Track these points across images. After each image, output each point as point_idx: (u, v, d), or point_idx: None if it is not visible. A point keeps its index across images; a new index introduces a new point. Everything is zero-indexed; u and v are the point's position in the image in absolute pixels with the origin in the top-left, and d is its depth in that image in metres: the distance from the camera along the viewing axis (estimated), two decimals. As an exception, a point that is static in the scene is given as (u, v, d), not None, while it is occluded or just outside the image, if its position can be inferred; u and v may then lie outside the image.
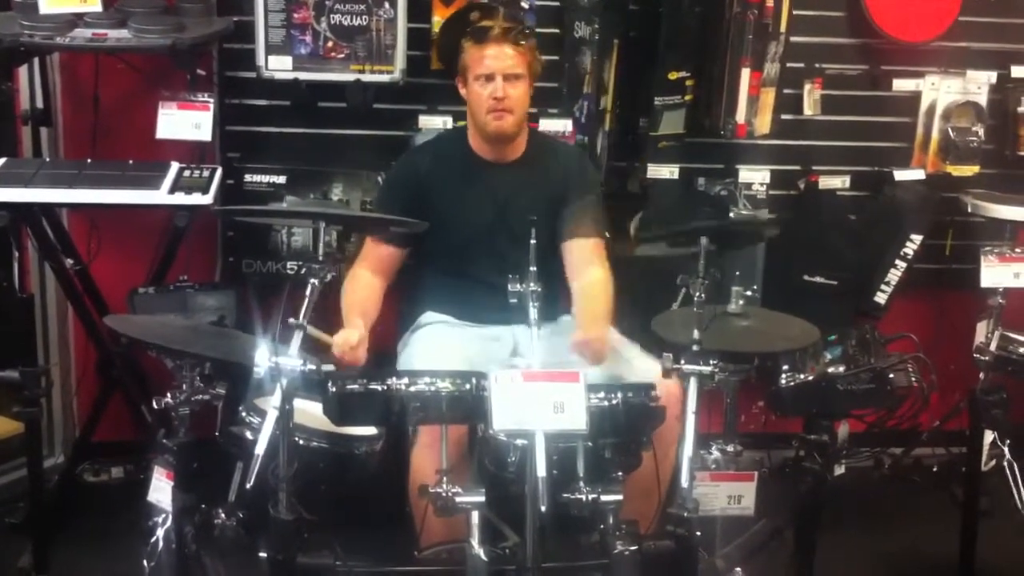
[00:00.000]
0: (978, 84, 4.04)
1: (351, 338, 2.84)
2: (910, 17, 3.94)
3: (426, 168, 3.32)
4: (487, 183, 3.29)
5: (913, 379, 3.72)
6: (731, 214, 3.89)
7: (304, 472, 2.44)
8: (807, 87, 3.98)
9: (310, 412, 2.60)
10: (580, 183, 3.38)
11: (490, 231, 3.24)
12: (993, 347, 3.41)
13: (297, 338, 2.39)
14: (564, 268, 3.28)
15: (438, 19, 3.68)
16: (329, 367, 2.46)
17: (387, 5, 3.55)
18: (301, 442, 2.58)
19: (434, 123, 3.71)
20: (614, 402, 2.45)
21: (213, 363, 2.60)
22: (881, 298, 4.04)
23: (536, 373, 2.31)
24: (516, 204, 3.24)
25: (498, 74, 3.14)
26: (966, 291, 3.81)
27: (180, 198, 3.26)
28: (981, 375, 3.42)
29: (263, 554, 2.36)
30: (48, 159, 3.65)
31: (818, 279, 3.96)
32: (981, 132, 4.04)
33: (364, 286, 3.19)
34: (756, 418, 3.72)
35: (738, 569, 2.80)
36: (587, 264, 3.25)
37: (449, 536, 2.60)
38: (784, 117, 3.94)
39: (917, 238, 4.01)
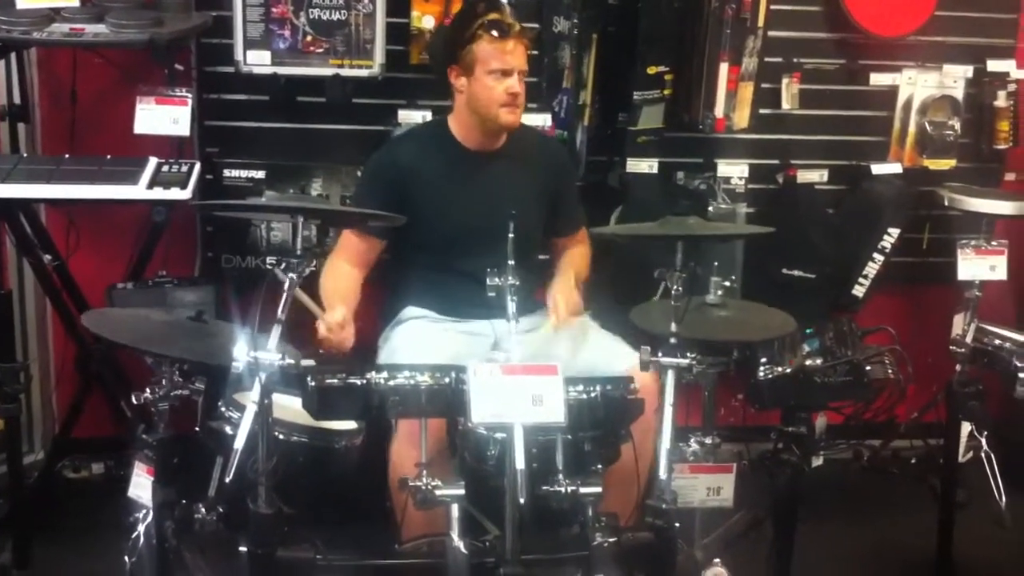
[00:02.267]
0: (954, 78, 4.07)
1: (337, 316, 2.87)
2: (887, 12, 3.96)
3: (407, 158, 3.31)
4: (472, 171, 3.30)
5: (890, 371, 3.76)
6: (710, 208, 3.90)
7: (284, 466, 2.45)
8: (785, 81, 3.99)
9: (289, 406, 2.61)
10: (566, 177, 3.51)
11: (474, 221, 3.24)
12: (969, 339, 3.44)
13: (276, 332, 2.39)
14: (551, 256, 3.48)
15: (417, 14, 3.68)
16: (309, 362, 2.46)
17: (366, 0, 3.55)
18: (281, 436, 2.58)
19: (413, 118, 3.69)
20: (592, 395, 2.47)
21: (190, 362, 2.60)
22: (859, 291, 4.07)
23: (515, 366, 2.32)
24: (501, 193, 3.25)
25: (516, 70, 3.16)
26: (943, 284, 3.84)
27: (158, 193, 3.25)
28: (957, 367, 3.44)
29: (243, 548, 2.36)
30: (25, 154, 3.63)
31: (796, 272, 3.97)
32: (957, 126, 4.07)
33: (343, 275, 3.21)
34: (736, 411, 3.74)
35: (717, 560, 2.82)
36: (570, 247, 3.49)
37: (429, 529, 2.60)
38: (762, 111, 3.95)
39: (894, 232, 4.03)
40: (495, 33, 3.14)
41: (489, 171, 3.31)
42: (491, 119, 3.21)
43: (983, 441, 3.46)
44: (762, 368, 3.11)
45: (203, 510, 2.59)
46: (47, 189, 3.23)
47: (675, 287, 2.66)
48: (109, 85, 3.68)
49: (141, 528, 2.58)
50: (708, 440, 2.78)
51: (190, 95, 3.46)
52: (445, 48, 3.29)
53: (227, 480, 2.40)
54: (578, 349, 3.11)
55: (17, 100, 3.62)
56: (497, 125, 3.23)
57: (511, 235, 2.55)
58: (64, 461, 3.86)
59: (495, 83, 3.15)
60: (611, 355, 3.09)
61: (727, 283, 2.96)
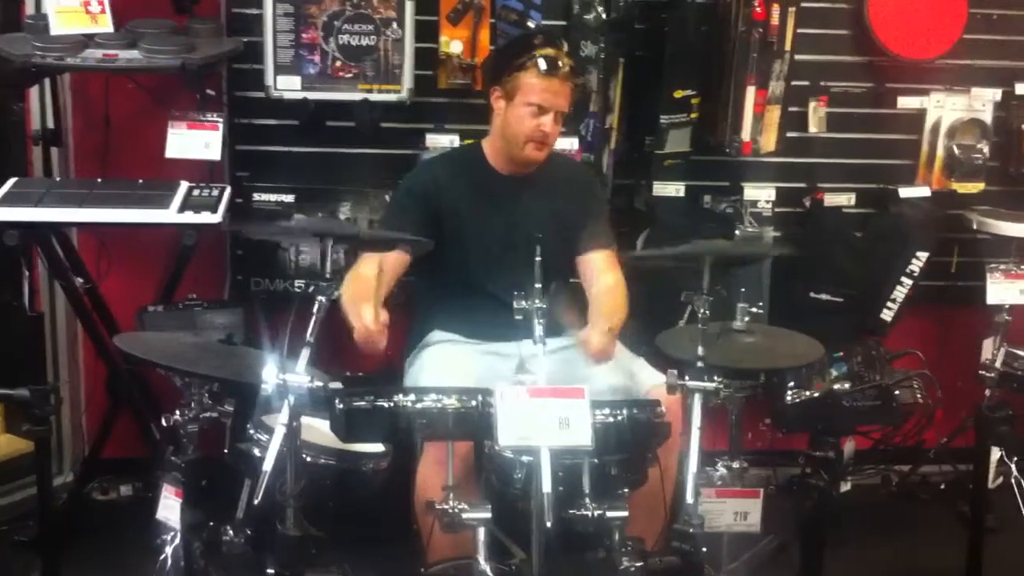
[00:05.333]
0: (983, 101, 4.05)
1: (370, 316, 2.76)
2: (914, 35, 3.96)
3: (440, 180, 3.32)
4: (500, 195, 3.31)
5: (919, 396, 3.75)
6: (737, 232, 3.90)
7: (311, 489, 2.45)
8: (812, 105, 4.00)
9: (317, 429, 2.62)
10: (591, 197, 3.48)
11: (503, 244, 3.25)
12: (999, 364, 3.41)
13: (304, 355, 2.40)
14: (581, 280, 3.36)
15: (445, 39, 3.71)
16: (336, 384, 2.47)
17: (395, 25, 3.58)
18: (308, 459, 2.59)
19: (441, 142, 3.72)
20: (619, 418, 2.47)
21: (221, 381, 2.62)
22: (887, 315, 4.04)
23: (542, 389, 2.32)
24: (528, 217, 3.25)
25: (553, 110, 3.16)
26: (972, 308, 3.81)
27: (189, 217, 3.28)
28: (987, 392, 3.41)
29: (271, 571, 2.37)
30: (58, 178, 3.67)
31: (824, 296, 3.96)
32: (986, 149, 4.05)
33: (367, 276, 3.07)
34: (763, 435, 3.72)
35: (744, 585, 2.81)
36: (602, 273, 3.32)
37: (456, 552, 2.60)
38: (789, 135, 3.95)
39: (923, 255, 4.01)
40: (544, 67, 3.13)
41: (518, 196, 3.32)
42: (516, 149, 3.22)
43: (1013, 467, 3.43)
44: (789, 392, 3.10)
45: (231, 532, 2.60)
46: (79, 213, 3.26)
47: (702, 311, 2.66)
48: (141, 110, 3.71)
49: (169, 550, 2.60)
50: (735, 464, 2.76)
51: (221, 120, 3.49)
52: (493, 68, 3.29)
53: (255, 502, 2.40)
54: (603, 370, 3.10)
55: (51, 124, 3.66)
56: (519, 157, 3.24)
57: (538, 258, 2.56)
58: (93, 483, 3.86)
59: (530, 117, 3.15)
60: (635, 377, 3.09)
61: (754, 309, 2.95)
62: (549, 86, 3.15)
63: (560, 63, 3.16)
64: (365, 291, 2.94)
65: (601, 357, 2.97)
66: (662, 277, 3.50)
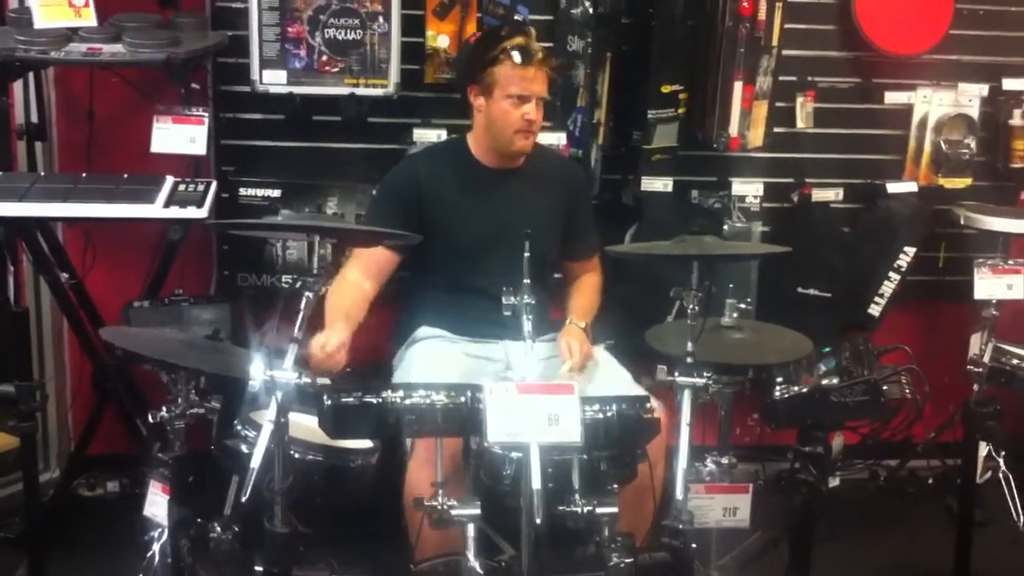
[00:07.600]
0: (970, 97, 4.06)
1: (329, 343, 2.83)
2: (902, 30, 3.96)
3: (424, 174, 3.31)
4: (488, 189, 3.31)
5: (907, 391, 3.74)
6: (725, 227, 3.90)
7: (299, 485, 2.44)
8: (799, 100, 4.00)
9: (305, 425, 2.61)
10: (581, 197, 3.53)
11: (491, 239, 3.24)
12: (987, 359, 3.42)
13: (292, 351, 2.39)
14: (562, 277, 3.50)
15: (432, 33, 3.70)
16: (324, 380, 2.46)
17: (381, 19, 3.56)
18: (296, 455, 2.58)
19: (428, 136, 3.71)
20: (608, 414, 2.45)
21: (208, 377, 2.60)
22: (875, 310, 4.05)
23: (531, 385, 2.31)
24: (516, 211, 3.26)
25: (534, 97, 3.17)
26: (959, 303, 3.83)
27: (175, 212, 3.25)
28: (975, 387, 3.42)
29: (259, 567, 2.36)
30: (43, 173, 3.65)
31: (812, 291, 3.96)
32: (973, 145, 4.06)
33: (351, 288, 3.16)
34: (751, 430, 3.72)
35: (733, 581, 2.81)
36: (585, 273, 3.50)
37: (445, 549, 2.59)
38: (777, 130, 3.95)
39: (910, 250, 4.02)
40: (518, 58, 3.14)
41: (506, 189, 3.32)
42: (505, 142, 3.23)
43: (1001, 461, 3.44)
44: (778, 387, 3.09)
45: (218, 529, 2.59)
46: (64, 208, 3.24)
47: (691, 306, 2.66)
48: (126, 104, 3.69)
49: (156, 547, 2.58)
50: (724, 460, 2.77)
51: (206, 114, 3.47)
52: (467, 66, 3.29)
53: (243, 499, 2.39)
54: (588, 383, 3.10)
55: (35, 119, 3.64)
56: (509, 150, 3.25)
57: (527, 254, 2.55)
58: (79, 479, 3.85)
59: (512, 108, 3.16)
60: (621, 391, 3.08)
61: (742, 305, 2.95)
62: (525, 74, 3.16)
63: (532, 49, 3.18)
64: (336, 309, 3.01)
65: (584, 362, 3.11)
66: (650, 270, 3.50)
